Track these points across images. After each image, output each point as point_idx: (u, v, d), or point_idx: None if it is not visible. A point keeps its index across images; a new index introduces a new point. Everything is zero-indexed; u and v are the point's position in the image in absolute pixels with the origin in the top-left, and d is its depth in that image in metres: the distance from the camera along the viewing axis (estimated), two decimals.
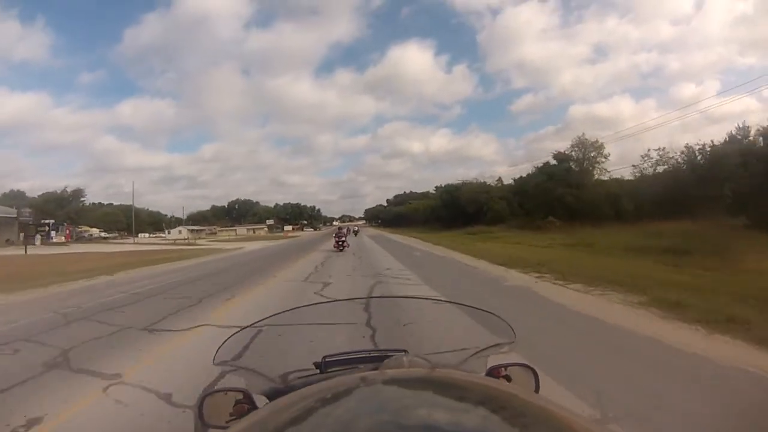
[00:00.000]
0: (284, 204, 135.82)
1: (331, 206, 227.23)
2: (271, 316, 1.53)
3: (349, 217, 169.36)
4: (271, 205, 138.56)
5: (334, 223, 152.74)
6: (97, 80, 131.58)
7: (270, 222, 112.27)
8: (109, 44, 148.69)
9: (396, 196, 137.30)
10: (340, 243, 22.72)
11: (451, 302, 1.79)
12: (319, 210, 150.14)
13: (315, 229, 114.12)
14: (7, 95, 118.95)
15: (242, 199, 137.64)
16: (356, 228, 59.43)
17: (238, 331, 1.51)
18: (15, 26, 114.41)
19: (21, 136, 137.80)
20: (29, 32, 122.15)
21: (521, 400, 0.75)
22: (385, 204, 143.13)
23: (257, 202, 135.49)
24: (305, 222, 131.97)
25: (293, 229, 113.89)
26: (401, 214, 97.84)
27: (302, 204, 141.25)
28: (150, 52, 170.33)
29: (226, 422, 1.17)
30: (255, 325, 1.54)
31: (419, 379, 0.85)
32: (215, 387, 1.42)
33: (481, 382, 0.96)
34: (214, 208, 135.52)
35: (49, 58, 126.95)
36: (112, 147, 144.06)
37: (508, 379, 1.24)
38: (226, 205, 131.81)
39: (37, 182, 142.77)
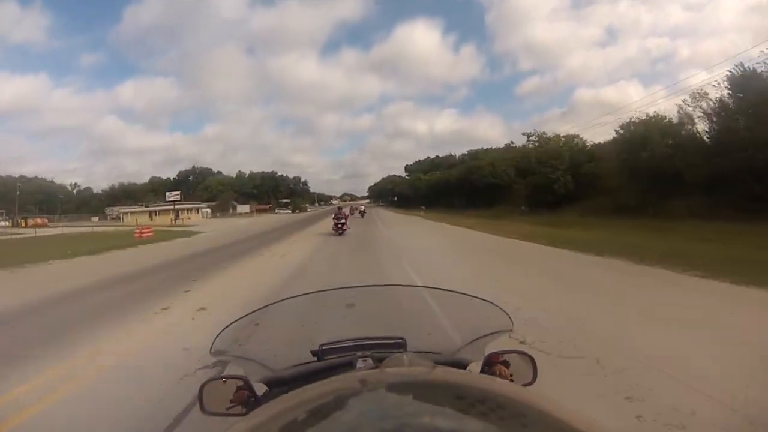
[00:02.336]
0: (251, 174, 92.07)
1: (334, 185, 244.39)
2: (267, 305, 1.68)
3: (351, 195, 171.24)
4: (244, 173, 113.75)
5: (333, 202, 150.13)
6: (98, 61, 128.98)
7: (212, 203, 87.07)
8: (109, 24, 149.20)
9: (417, 163, 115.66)
10: (340, 225, 21.68)
11: (449, 290, 1.74)
12: (305, 183, 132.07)
13: (295, 211, 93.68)
14: (7, 79, 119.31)
15: (198, 167, 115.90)
16: (362, 208, 50.32)
17: (235, 321, 1.54)
18: (14, 8, 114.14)
19: (21, 120, 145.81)
20: (28, 14, 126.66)
21: (522, 401, 0.79)
22: (402, 174, 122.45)
23: (219, 172, 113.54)
24: (286, 201, 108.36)
25: (257, 211, 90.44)
26: (436, 186, 71.82)
27: (281, 174, 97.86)
28: (151, 32, 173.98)
29: (227, 409, 1.27)
30: (250, 314, 1.62)
31: (420, 380, 0.89)
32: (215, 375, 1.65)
33: (482, 383, 1.00)
34: (153, 180, 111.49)
35: (48, 39, 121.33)
36: (114, 129, 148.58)
37: (505, 365, 1.33)
38: (175, 176, 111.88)
39: (39, 167, 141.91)
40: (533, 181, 36.17)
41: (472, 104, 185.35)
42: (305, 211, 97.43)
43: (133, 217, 74.13)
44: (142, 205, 78.85)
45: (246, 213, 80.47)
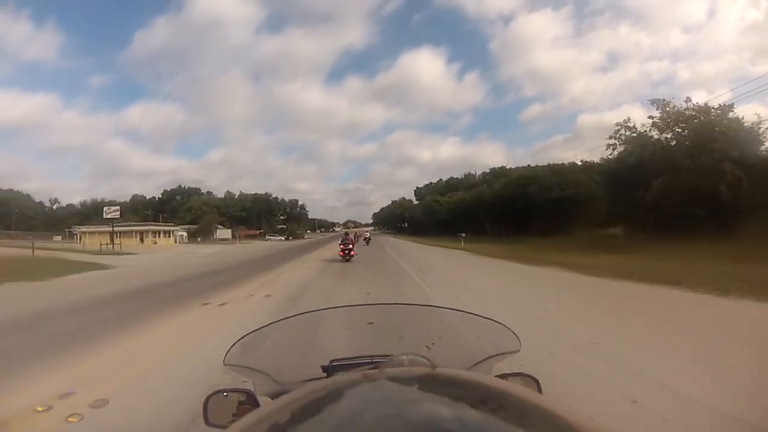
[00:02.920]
0: (241, 195, 79.90)
1: (337, 212, 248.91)
2: (282, 319, 1.70)
3: (354, 222, 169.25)
4: (233, 194, 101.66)
5: (335, 229, 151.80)
6: (106, 83, 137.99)
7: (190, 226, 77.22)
8: (118, 47, 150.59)
9: (427, 186, 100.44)
10: (347, 251, 21.13)
11: (457, 310, 1.79)
12: (303, 207, 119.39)
13: (289, 238, 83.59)
14: (18, 96, 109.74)
15: (186, 186, 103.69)
16: (367, 234, 47.84)
17: (250, 333, 1.57)
18: (27, 26, 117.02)
19: (29, 138, 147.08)
20: (40, 33, 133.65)
21: (522, 399, 0.80)
22: (409, 198, 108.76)
23: (210, 192, 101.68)
24: (282, 226, 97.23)
25: (244, 236, 79.28)
26: (460, 209, 58.57)
27: (276, 197, 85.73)
28: (160, 56, 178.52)
29: (229, 423, 1.26)
30: (265, 327, 1.63)
31: (419, 377, 0.90)
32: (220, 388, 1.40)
33: (482, 380, 1.03)
34: (135, 199, 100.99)
35: (59, 59, 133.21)
36: (119, 150, 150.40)
37: None
38: (159, 195, 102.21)
39: (44, 184, 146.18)
40: (672, 183, 21.60)
41: (475, 131, 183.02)
42: (301, 238, 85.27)
43: (91, 238, 62.04)
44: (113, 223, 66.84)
45: (227, 239, 68.01)
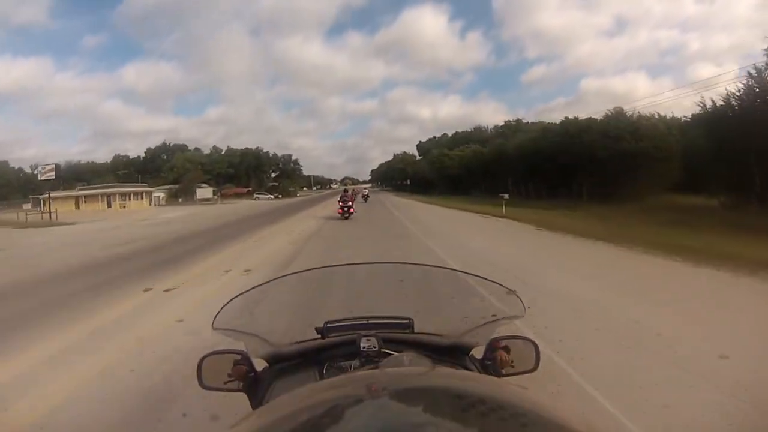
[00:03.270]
0: (228, 150, 72.49)
1: (336, 169, 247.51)
2: (274, 279, 1.63)
3: (352, 179, 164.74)
4: (220, 149, 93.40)
5: (332, 186, 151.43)
6: (101, 43, 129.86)
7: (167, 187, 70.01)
8: (112, 4, 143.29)
9: (431, 141, 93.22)
10: (346, 209, 20.79)
11: (464, 272, 1.79)
12: (297, 162, 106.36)
13: (278, 196, 74.87)
14: (9, 61, 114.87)
15: (171, 144, 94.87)
16: (365, 191, 43.93)
17: (240, 294, 1.50)
18: None
19: (25, 103, 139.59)
20: None
21: (521, 402, 0.80)
22: (413, 154, 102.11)
23: (196, 149, 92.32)
24: (274, 183, 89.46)
25: (233, 194, 73.72)
26: (474, 164, 51.22)
27: (266, 152, 78.61)
28: (155, 13, 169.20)
29: (224, 383, 1.27)
30: (256, 287, 1.55)
31: (419, 378, 0.91)
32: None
33: (482, 381, 1.02)
34: (116, 159, 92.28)
35: (50, 21, 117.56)
36: (117, 111, 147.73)
37: (507, 350, 1.32)
38: (143, 154, 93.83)
39: (42, 150, 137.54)
40: None
41: (476, 91, 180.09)
42: (294, 196, 78.14)
43: (57, 204, 55.05)
44: (81, 187, 59.89)
45: (208, 199, 60.95)
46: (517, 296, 1.46)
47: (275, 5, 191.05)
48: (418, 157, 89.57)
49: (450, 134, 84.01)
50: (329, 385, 0.96)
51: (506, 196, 23.73)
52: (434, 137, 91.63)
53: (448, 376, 0.96)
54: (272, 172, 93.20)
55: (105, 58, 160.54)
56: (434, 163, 60.14)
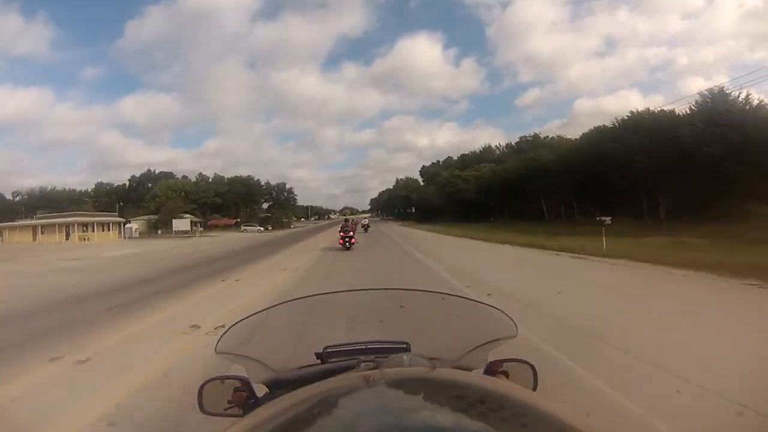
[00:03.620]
0: (216, 178, 66.42)
1: (335, 200, 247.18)
2: (275, 305, 1.66)
3: (351, 209, 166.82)
4: (207, 177, 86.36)
5: (332, 216, 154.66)
6: (99, 76, 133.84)
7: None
8: (111, 38, 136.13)
9: (435, 165, 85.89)
10: (347, 239, 20.34)
11: (456, 296, 1.81)
12: (291, 191, 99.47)
13: (267, 228, 68.63)
14: (10, 91, 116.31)
15: (155, 171, 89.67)
16: (365, 221, 41.79)
17: (242, 320, 1.52)
18: (17, 21, 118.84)
19: (24, 133, 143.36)
20: (31, 27, 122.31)
21: (521, 401, 0.81)
22: (416, 179, 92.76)
23: (184, 177, 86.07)
24: (268, 214, 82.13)
25: (217, 225, 69.64)
26: (495, 185, 45.07)
27: (257, 179, 71.39)
28: (153, 46, 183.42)
29: (225, 410, 1.28)
30: (258, 313, 1.59)
31: (419, 378, 0.92)
32: (215, 375, 1.39)
33: (482, 382, 1.03)
34: (99, 187, 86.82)
35: (50, 53, 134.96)
36: (115, 143, 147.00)
37: (506, 374, 1.32)
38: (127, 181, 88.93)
39: (40, 180, 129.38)
40: None
41: (472, 117, 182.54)
42: (287, 227, 71.15)
43: (13, 235, 47.83)
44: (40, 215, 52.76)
45: (185, 231, 53.38)
46: (509, 317, 1.46)
47: (271, 38, 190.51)
48: (421, 183, 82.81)
49: (456, 157, 78.10)
50: (328, 382, 0.95)
51: (608, 220, 15.68)
52: (438, 161, 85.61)
53: (448, 376, 0.97)
54: (264, 201, 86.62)
55: (104, 90, 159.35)
56: (444, 186, 53.36)
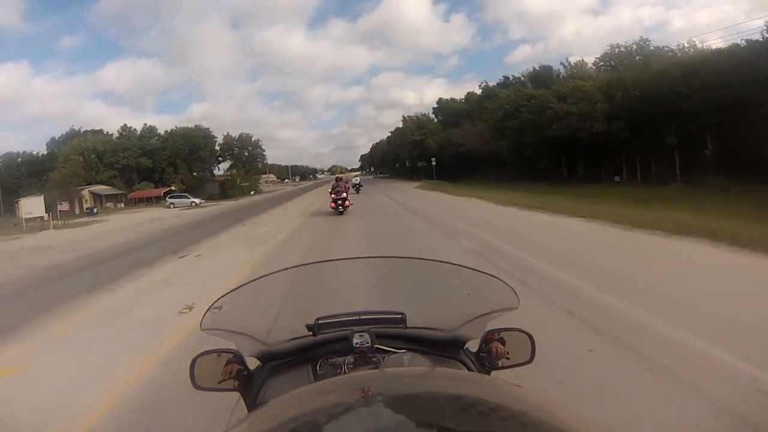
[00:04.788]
0: (144, 131, 38.60)
1: (323, 159, 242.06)
2: (263, 276, 1.57)
3: (340, 167, 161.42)
4: (135, 130, 61.20)
5: (319, 175, 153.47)
6: (77, 44, 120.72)
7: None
8: (87, 3, 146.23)
9: (452, 101, 63.34)
10: (340, 201, 18.19)
11: (457, 265, 1.69)
12: (259, 144, 73.87)
13: (200, 201, 44.21)
14: None
15: (81, 129, 62.84)
16: (356, 180, 37.27)
17: (228, 293, 1.47)
18: None
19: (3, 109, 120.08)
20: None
21: (521, 402, 0.82)
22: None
23: (107, 133, 61.16)
24: (226, 174, 60.96)
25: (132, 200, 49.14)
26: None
27: (207, 129, 46.20)
28: (131, 9, 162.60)
29: (218, 383, 1.28)
30: (244, 285, 1.53)
31: (419, 378, 0.93)
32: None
33: (482, 384, 1.02)
34: (8, 158, 61.03)
35: (24, 24, 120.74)
36: (99, 112, 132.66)
37: (502, 342, 1.33)
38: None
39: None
40: None
41: (461, 73, 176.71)
42: (246, 195, 50.49)
43: None
44: None
45: (34, 218, 31.72)
46: (511, 288, 1.41)
47: None
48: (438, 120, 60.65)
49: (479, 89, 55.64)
50: (326, 388, 0.94)
51: None
52: (452, 98, 62.73)
53: (447, 378, 0.97)
54: (221, 160, 64.63)
55: (83, 60, 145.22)
56: (509, 116, 31.97)
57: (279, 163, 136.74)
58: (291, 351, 1.28)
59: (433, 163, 45.84)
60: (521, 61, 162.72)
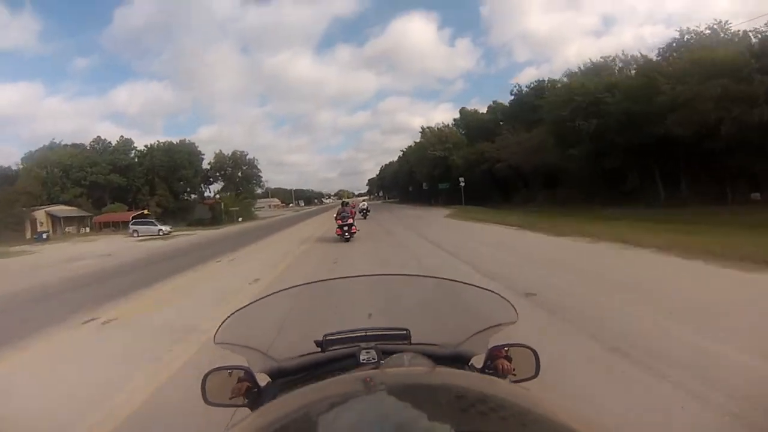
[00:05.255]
0: (120, 144, 30.65)
1: (330, 184, 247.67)
2: (273, 293, 1.62)
3: (347, 192, 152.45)
4: (109, 143, 52.53)
5: (326, 200, 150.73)
6: (90, 66, 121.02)
7: None
8: (100, 26, 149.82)
9: (471, 114, 55.40)
10: (346, 228, 16.66)
11: (456, 281, 1.76)
12: (254, 163, 65.23)
13: (167, 234, 34.54)
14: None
15: (60, 142, 52.45)
16: (363, 204, 32.96)
17: (241, 308, 1.51)
18: (3, 12, 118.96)
19: (15, 128, 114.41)
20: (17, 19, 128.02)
21: (521, 401, 0.81)
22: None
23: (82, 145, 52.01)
24: (216, 195, 53.05)
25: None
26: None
27: (191, 143, 37.18)
28: (143, 33, 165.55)
29: (229, 398, 1.29)
30: (257, 301, 1.58)
31: (419, 378, 0.93)
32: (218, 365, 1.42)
33: (482, 383, 1.03)
34: None
35: (39, 45, 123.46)
36: (109, 134, 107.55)
37: (508, 359, 1.33)
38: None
39: None
40: None
41: (468, 97, 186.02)
42: (234, 222, 42.45)
43: None
44: None
45: None
46: (509, 302, 1.44)
47: (263, 22, 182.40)
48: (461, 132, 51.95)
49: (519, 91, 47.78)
50: (329, 383, 0.97)
51: None
52: (473, 108, 55.01)
53: (448, 376, 0.98)
54: (211, 180, 57.09)
55: (94, 81, 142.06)
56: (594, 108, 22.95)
57: (285, 187, 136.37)
58: (300, 367, 1.29)
59: (462, 184, 37.28)
60: (525, 83, 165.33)
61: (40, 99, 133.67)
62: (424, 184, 53.34)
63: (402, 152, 75.50)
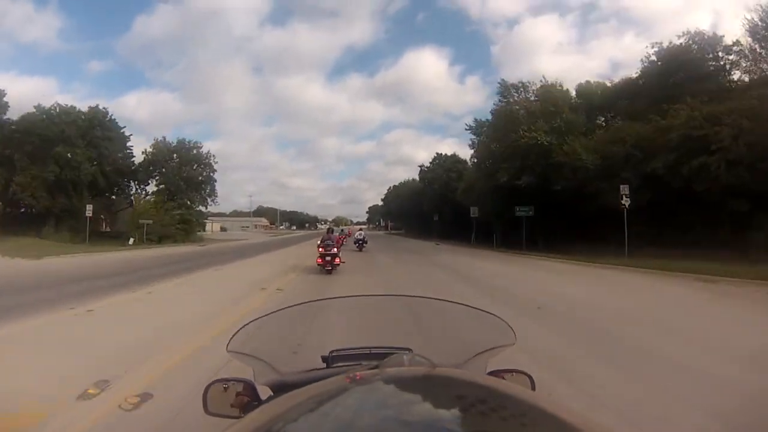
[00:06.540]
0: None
1: (330, 210, 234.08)
2: (286, 307, 1.68)
3: (345, 219, 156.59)
4: None
5: (321, 225, 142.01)
6: (104, 69, 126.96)
7: None
8: (118, 32, 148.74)
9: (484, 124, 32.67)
10: (329, 258, 14.31)
11: (457, 303, 1.75)
12: (208, 162, 44.39)
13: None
14: (13, 79, 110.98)
15: None
16: (360, 234, 29.10)
17: (254, 320, 1.54)
18: (28, 6, 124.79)
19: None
20: (41, 14, 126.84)
21: (522, 400, 0.82)
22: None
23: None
24: (148, 221, 36.28)
25: None
26: None
27: (103, 108, 14.39)
28: (159, 43, 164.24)
29: (228, 411, 1.31)
30: (269, 315, 1.61)
31: (419, 377, 0.93)
32: (220, 377, 1.42)
33: (482, 381, 1.03)
34: None
35: (58, 42, 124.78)
36: None
37: None
38: None
39: None
40: None
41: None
42: (124, 245, 27.35)
43: None
44: None
45: None
46: (508, 325, 1.46)
47: (278, 44, 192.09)
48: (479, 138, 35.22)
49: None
50: (329, 381, 0.98)
51: None
52: (484, 119, 39.03)
53: (448, 374, 0.97)
54: (126, 181, 39.25)
55: (106, 84, 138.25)
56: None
57: (284, 209, 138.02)
58: (303, 382, 1.24)
59: (530, 213, 22.76)
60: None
61: (53, 95, 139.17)
62: (474, 210, 33.15)
63: (424, 167, 58.09)
